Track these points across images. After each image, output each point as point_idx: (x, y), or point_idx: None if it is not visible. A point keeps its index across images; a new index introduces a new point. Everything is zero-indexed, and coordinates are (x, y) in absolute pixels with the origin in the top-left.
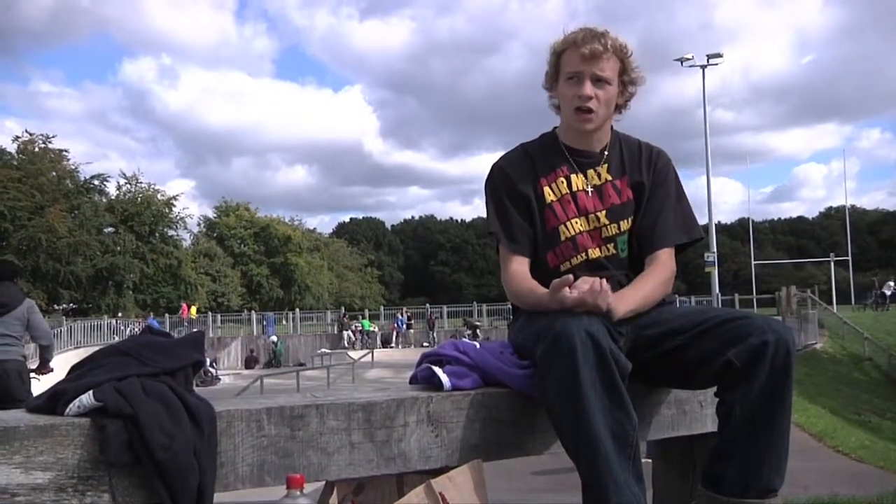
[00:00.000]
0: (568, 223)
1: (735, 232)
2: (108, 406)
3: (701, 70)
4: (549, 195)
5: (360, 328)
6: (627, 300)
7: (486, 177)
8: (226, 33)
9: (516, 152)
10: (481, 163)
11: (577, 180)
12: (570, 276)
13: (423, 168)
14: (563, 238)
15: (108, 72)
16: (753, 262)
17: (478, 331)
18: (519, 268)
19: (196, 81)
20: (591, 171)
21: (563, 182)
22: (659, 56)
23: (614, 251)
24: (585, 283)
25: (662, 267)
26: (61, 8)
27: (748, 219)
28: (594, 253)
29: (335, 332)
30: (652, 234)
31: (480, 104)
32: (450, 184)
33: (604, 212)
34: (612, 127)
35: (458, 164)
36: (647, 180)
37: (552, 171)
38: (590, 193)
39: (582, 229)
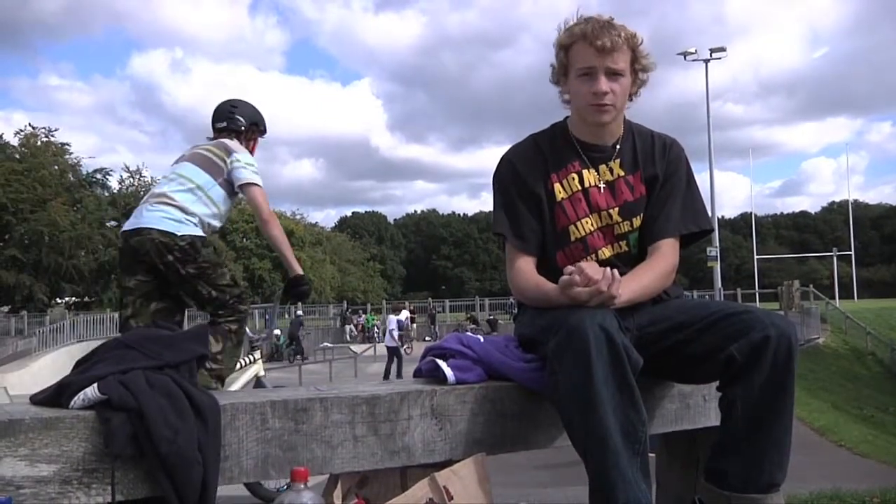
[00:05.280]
0: (578, 223)
1: (738, 226)
2: (112, 399)
3: (705, 64)
4: (560, 192)
5: (362, 323)
6: (626, 289)
7: (494, 169)
8: (238, 27)
9: (526, 144)
10: (490, 156)
11: (590, 176)
12: (579, 276)
13: (431, 162)
14: (573, 238)
15: (118, 65)
16: (756, 257)
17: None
18: (525, 266)
19: (206, 75)
20: (603, 167)
21: (574, 178)
22: (670, 49)
23: (626, 248)
24: (595, 272)
25: (663, 258)
26: (76, 1)
27: (751, 213)
28: (606, 252)
29: (338, 325)
30: (655, 223)
31: (490, 98)
32: (457, 178)
33: (616, 209)
34: (624, 118)
35: (466, 158)
36: (661, 172)
37: (563, 166)
38: (602, 190)
39: (593, 228)
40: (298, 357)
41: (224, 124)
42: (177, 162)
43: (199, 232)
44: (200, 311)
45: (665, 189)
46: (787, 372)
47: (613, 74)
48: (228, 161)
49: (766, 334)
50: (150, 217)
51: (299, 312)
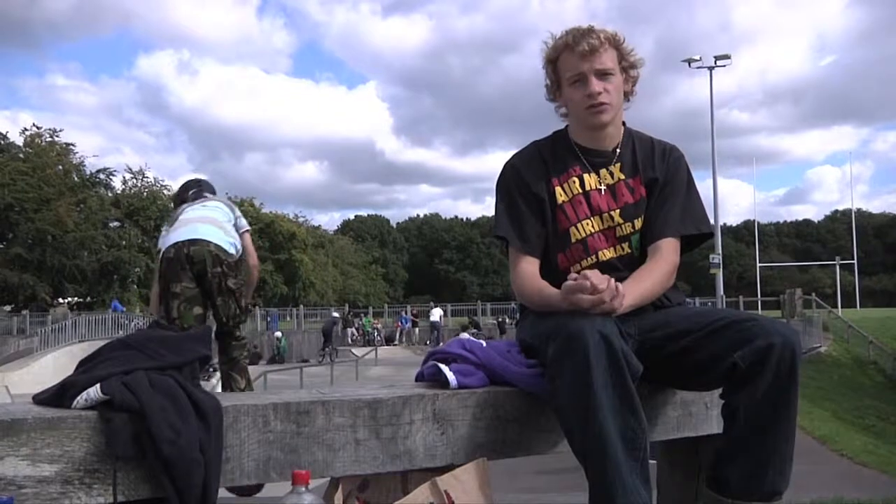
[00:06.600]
0: (579, 224)
1: (740, 234)
2: (114, 399)
3: (709, 72)
4: (561, 195)
5: (361, 325)
6: (629, 294)
7: (498, 175)
8: (246, 28)
9: (529, 151)
10: (494, 161)
11: (591, 180)
12: (586, 282)
13: (436, 166)
14: (573, 240)
15: (125, 66)
16: (758, 265)
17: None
18: (528, 268)
19: (212, 77)
20: (603, 171)
21: (575, 181)
22: (677, 56)
23: (629, 250)
24: (601, 282)
25: (664, 259)
26: (86, 1)
27: (754, 221)
28: (607, 254)
29: (339, 329)
30: (655, 224)
31: (496, 102)
32: (462, 182)
33: (618, 211)
34: (624, 124)
35: (470, 162)
36: (661, 176)
37: (564, 171)
38: (603, 192)
39: (594, 230)
40: (331, 355)
41: (215, 195)
42: (198, 201)
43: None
44: (223, 325)
45: (665, 192)
46: (790, 380)
47: (603, 75)
48: (236, 212)
49: (771, 342)
50: (207, 232)
51: (335, 314)
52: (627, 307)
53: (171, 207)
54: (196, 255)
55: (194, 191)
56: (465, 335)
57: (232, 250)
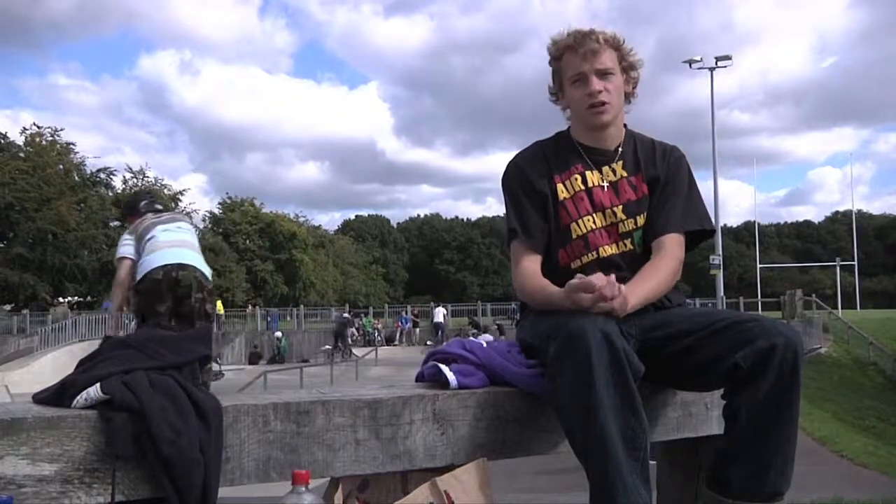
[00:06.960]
0: (580, 220)
1: (740, 235)
2: (114, 399)
3: (710, 72)
4: (563, 192)
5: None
6: (636, 293)
7: (502, 174)
8: (247, 28)
9: (532, 149)
10: (495, 161)
11: (593, 177)
12: (591, 282)
13: (437, 166)
14: (574, 236)
15: (127, 66)
16: (758, 266)
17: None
18: (531, 265)
19: (214, 76)
20: (606, 168)
21: (577, 179)
22: (678, 57)
23: (631, 247)
24: (601, 281)
25: (668, 255)
26: (89, 0)
27: (754, 222)
28: (608, 250)
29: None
30: (658, 220)
31: (497, 103)
32: (462, 182)
33: (620, 207)
34: (625, 125)
35: (472, 163)
36: (662, 174)
37: (566, 168)
38: (605, 189)
39: (596, 226)
40: (344, 354)
41: (163, 207)
42: (172, 221)
43: None
44: None
45: (667, 190)
46: (792, 381)
47: (604, 74)
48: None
49: (773, 343)
50: (192, 258)
51: (346, 315)
52: (633, 307)
53: (173, 207)
54: (184, 280)
55: (146, 202)
56: (487, 336)
57: (210, 277)
